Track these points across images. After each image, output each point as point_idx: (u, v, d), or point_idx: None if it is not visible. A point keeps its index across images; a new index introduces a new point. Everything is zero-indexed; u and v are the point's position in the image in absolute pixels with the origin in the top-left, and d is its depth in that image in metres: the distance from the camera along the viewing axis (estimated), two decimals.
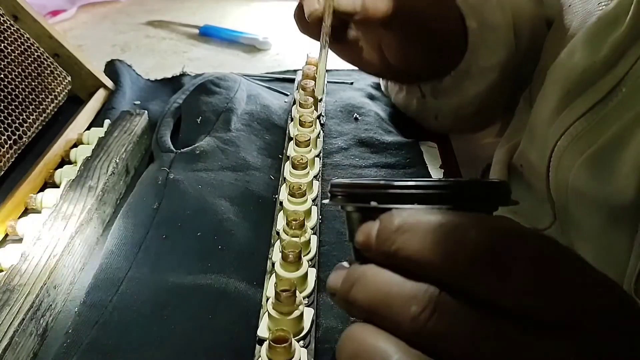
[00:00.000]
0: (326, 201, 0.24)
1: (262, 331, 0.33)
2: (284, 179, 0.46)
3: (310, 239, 0.40)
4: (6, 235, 0.43)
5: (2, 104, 0.48)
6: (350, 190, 0.22)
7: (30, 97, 0.52)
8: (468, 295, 0.18)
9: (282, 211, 0.43)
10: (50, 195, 0.45)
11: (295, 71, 0.68)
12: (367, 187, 0.21)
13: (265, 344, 0.31)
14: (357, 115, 0.59)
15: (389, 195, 0.20)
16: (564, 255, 0.18)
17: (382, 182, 0.21)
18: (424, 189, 0.20)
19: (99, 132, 0.53)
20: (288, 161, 0.47)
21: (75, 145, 0.53)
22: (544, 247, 0.18)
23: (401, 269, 0.19)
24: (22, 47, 0.53)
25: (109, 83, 0.62)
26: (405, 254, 0.19)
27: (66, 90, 0.57)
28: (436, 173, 0.53)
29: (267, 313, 0.34)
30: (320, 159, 0.51)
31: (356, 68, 0.71)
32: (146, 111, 0.56)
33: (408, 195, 0.20)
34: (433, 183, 0.20)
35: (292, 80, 0.66)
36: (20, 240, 0.42)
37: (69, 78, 0.57)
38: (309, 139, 0.48)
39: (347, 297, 0.20)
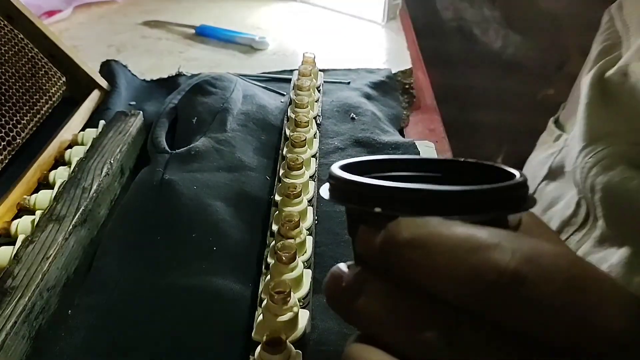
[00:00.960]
0: (324, 194, 0.21)
1: (257, 333, 0.33)
2: (280, 179, 0.46)
3: (305, 240, 0.39)
4: None
5: None
6: (351, 188, 0.19)
7: (25, 97, 0.51)
8: (486, 322, 0.16)
9: (277, 212, 0.42)
10: (44, 197, 0.45)
11: (291, 71, 0.68)
12: (371, 189, 0.18)
13: (260, 346, 0.31)
14: (354, 115, 0.59)
15: (396, 201, 0.18)
16: (594, 279, 0.17)
17: (387, 184, 0.18)
18: (437, 197, 0.17)
19: (93, 133, 0.53)
20: (284, 162, 0.47)
21: (69, 146, 0.52)
22: (571, 270, 0.16)
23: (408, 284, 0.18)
24: (16, 47, 0.53)
25: (104, 84, 0.62)
26: (415, 274, 0.17)
27: (61, 91, 0.56)
28: None
29: (261, 315, 0.33)
30: (316, 159, 0.51)
31: (353, 67, 0.71)
32: (141, 112, 0.56)
33: (418, 202, 0.17)
34: (447, 189, 0.18)
35: (288, 80, 0.66)
36: (13, 242, 0.41)
37: (64, 79, 0.57)
38: (305, 139, 0.48)
39: (348, 308, 0.19)
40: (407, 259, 0.17)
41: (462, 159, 0.22)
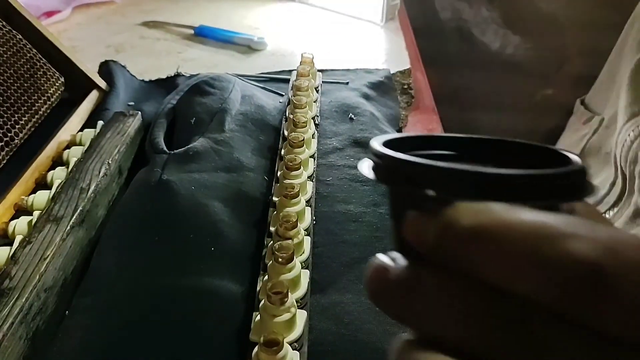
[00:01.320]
0: (367, 172, 0.18)
1: (254, 334, 0.33)
2: (278, 179, 0.46)
3: (303, 241, 0.39)
4: None
5: None
6: (401, 168, 0.17)
7: (23, 98, 0.51)
8: (561, 319, 0.15)
9: (275, 212, 0.42)
10: (41, 197, 0.45)
11: (290, 71, 0.68)
12: (424, 169, 0.16)
13: (257, 347, 0.31)
14: (353, 116, 0.59)
15: (453, 184, 0.16)
16: None
17: (444, 165, 0.16)
18: (499, 180, 0.15)
19: (92, 133, 0.53)
20: (282, 162, 0.46)
21: (67, 147, 0.52)
22: None
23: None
24: (15, 48, 0.53)
25: (102, 84, 0.62)
26: (479, 266, 0.15)
27: (59, 92, 0.56)
28: None
29: (259, 315, 0.33)
30: (314, 159, 0.51)
31: (351, 68, 0.71)
32: (140, 112, 0.56)
33: (477, 185, 0.15)
34: (513, 173, 0.16)
35: (286, 81, 0.66)
36: (10, 242, 0.41)
37: (62, 79, 0.57)
38: (303, 140, 0.48)
39: (400, 306, 0.17)
40: (470, 249, 0.15)
41: (510, 140, 0.20)
